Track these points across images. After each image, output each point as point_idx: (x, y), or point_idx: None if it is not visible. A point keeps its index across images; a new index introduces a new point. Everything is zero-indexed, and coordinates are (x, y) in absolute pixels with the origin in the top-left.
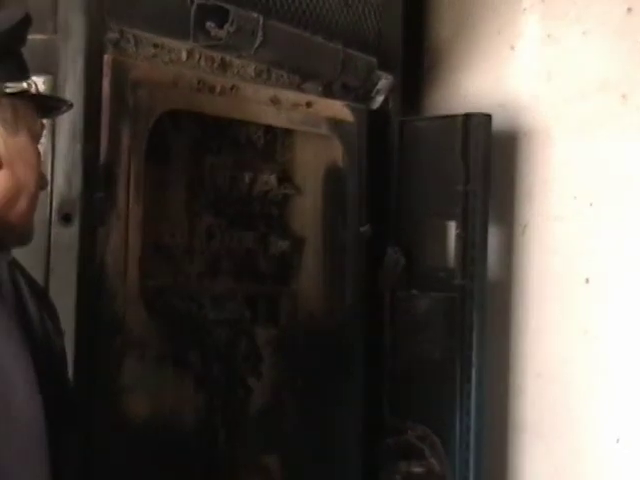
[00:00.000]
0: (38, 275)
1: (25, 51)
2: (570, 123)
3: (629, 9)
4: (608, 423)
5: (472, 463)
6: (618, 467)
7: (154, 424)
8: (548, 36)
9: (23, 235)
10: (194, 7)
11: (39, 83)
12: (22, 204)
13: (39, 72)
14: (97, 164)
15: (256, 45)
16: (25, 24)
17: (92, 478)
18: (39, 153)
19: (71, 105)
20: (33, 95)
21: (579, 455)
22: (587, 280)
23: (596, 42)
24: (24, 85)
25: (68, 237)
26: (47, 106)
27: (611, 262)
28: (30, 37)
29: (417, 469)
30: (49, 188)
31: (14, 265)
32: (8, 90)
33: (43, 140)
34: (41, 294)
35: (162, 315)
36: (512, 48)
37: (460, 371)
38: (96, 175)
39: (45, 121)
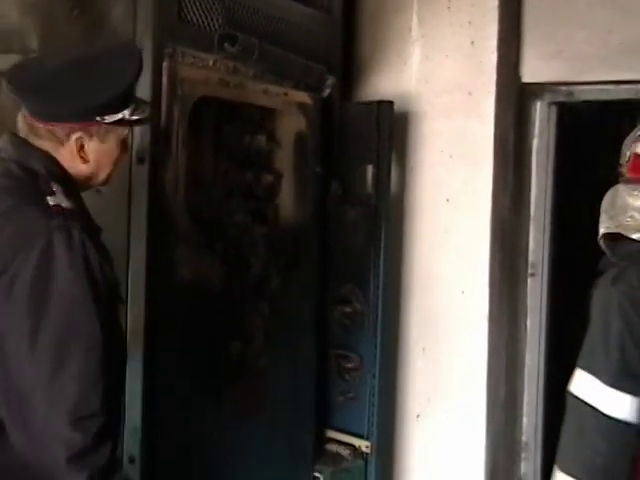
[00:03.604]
0: (124, 197)
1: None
2: (438, 108)
3: (472, 42)
4: (455, 280)
5: (380, 306)
6: (461, 310)
7: (195, 286)
8: (426, 57)
9: (103, 184)
10: (217, 35)
11: None
12: (101, 176)
13: None
14: (159, 128)
15: (255, 57)
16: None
17: (159, 320)
18: (123, 146)
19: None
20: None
21: (438, 305)
22: (448, 200)
23: (453, 61)
24: (119, 116)
25: (142, 173)
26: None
27: (462, 189)
28: None
29: (347, 309)
30: (130, 140)
31: (83, 229)
32: (107, 121)
33: None
34: (100, 246)
35: (199, 221)
36: (405, 64)
37: (374, 253)
38: (158, 135)
39: None
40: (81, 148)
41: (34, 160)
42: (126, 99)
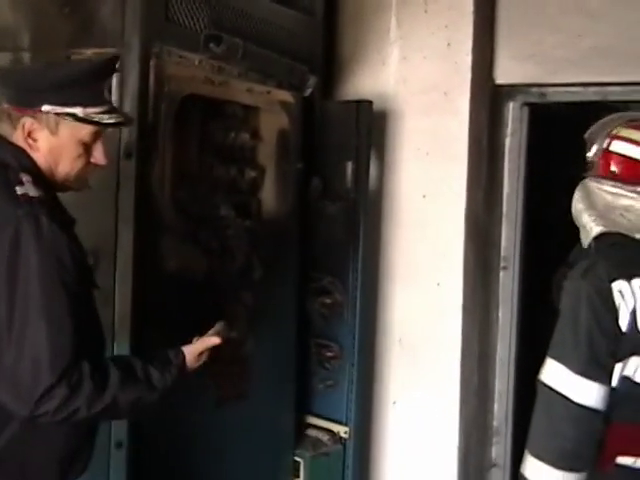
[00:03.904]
0: (112, 190)
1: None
2: (415, 107)
3: (448, 44)
4: (431, 273)
5: (358, 297)
6: (436, 301)
7: (180, 275)
8: (404, 58)
9: (69, 186)
10: (203, 35)
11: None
12: (61, 172)
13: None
14: (146, 123)
15: (239, 57)
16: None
17: (146, 309)
18: (82, 146)
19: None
20: (76, 117)
21: (414, 296)
22: (424, 196)
23: (430, 62)
24: (69, 110)
25: (129, 167)
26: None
27: (438, 185)
28: (110, 51)
29: (327, 300)
30: (119, 136)
31: (51, 217)
32: (52, 110)
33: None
34: (72, 236)
35: (184, 214)
36: (384, 64)
37: (353, 246)
38: (146, 130)
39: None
40: (29, 134)
41: (7, 153)
42: (80, 95)
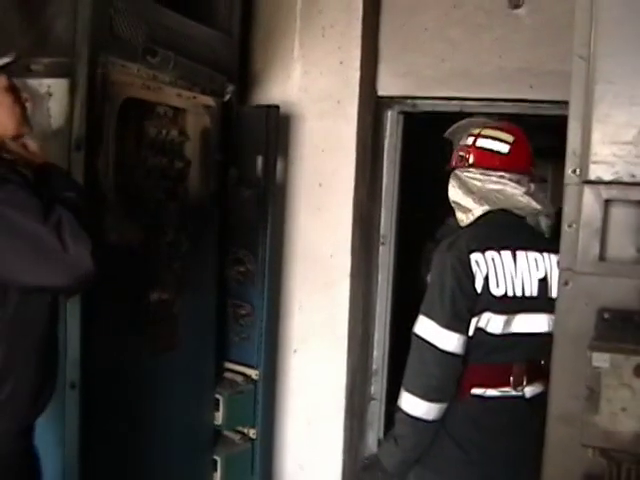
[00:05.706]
0: None
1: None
2: (314, 113)
3: (341, 62)
4: (325, 247)
5: (267, 266)
6: (330, 269)
7: (122, 248)
8: (305, 72)
9: (21, 133)
10: (141, 48)
11: (64, 84)
12: (9, 121)
13: (66, 77)
14: (93, 121)
15: (170, 67)
16: None
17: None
18: (10, 94)
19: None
20: None
21: (312, 265)
22: (320, 184)
23: (326, 76)
24: None
25: (79, 157)
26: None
27: (331, 176)
28: (64, 61)
29: (242, 269)
30: (70, 131)
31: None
32: None
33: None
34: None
35: (124, 196)
36: (289, 77)
37: (263, 225)
38: (93, 127)
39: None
40: None
41: None
42: None
